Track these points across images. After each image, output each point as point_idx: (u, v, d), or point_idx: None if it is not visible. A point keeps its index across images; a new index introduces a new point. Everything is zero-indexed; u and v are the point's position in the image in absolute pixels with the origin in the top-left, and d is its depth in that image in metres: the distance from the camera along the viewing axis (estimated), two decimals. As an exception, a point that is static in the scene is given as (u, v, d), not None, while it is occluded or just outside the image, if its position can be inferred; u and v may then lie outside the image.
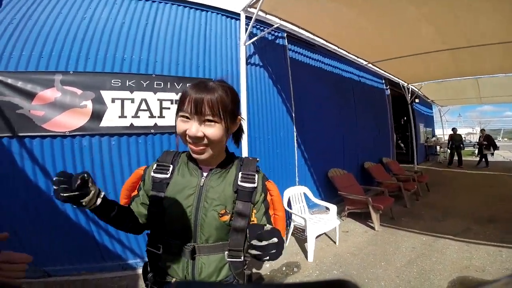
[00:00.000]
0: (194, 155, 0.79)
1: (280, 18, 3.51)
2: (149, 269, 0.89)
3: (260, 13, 3.17)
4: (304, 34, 4.01)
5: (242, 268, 0.86)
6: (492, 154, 10.50)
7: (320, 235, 3.26)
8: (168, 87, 2.78)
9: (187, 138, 0.76)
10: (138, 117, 2.63)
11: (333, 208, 3.35)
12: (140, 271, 2.57)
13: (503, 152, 16.17)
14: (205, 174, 0.85)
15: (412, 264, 2.70)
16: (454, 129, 10.71)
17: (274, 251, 0.63)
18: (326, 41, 4.26)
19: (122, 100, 2.57)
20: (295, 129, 4.05)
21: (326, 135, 4.83)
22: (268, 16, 3.44)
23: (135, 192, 0.91)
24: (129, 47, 2.73)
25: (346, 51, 4.77)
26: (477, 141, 11.74)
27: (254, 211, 0.85)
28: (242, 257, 0.84)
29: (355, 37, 4.04)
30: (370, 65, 5.52)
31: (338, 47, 4.55)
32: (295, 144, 4.01)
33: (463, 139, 11.76)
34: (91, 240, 2.54)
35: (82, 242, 2.53)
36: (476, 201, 5.04)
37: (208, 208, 0.81)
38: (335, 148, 5.10)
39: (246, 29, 3.21)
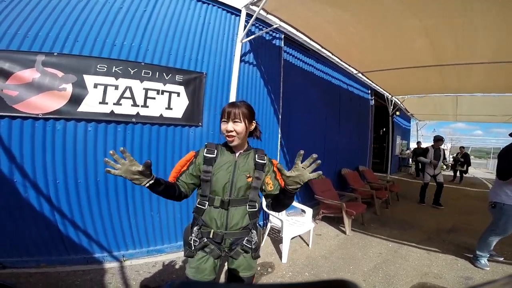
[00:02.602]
0: (229, 143, 1.33)
1: (280, 19, 3.48)
2: (195, 225, 1.33)
3: (261, 11, 3.14)
4: (301, 38, 4.02)
5: (256, 219, 1.39)
6: (466, 172, 11.05)
7: (294, 237, 3.33)
8: (157, 76, 2.68)
9: (225, 132, 1.30)
10: (120, 104, 2.52)
11: (309, 211, 3.44)
12: (107, 265, 2.58)
13: (470, 168, 17.48)
14: (237, 155, 1.38)
15: (378, 269, 2.83)
16: (418, 143, 11.41)
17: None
18: (322, 46, 4.27)
19: (105, 86, 2.44)
20: (280, 130, 4.08)
21: (309, 139, 4.93)
22: (268, 16, 3.40)
23: (185, 168, 1.36)
24: (122, 33, 2.61)
25: (339, 59, 4.80)
26: (454, 156, 12.33)
27: (268, 177, 1.39)
28: (257, 208, 1.37)
29: (350, 45, 4.07)
30: (360, 74, 5.60)
31: (332, 54, 4.58)
32: (279, 146, 4.05)
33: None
34: (55, 232, 2.42)
35: (45, 233, 2.40)
36: (440, 212, 5.41)
37: (240, 174, 1.33)
38: (315, 152, 5.13)
39: (245, 26, 3.16)
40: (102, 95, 2.44)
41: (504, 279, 0.32)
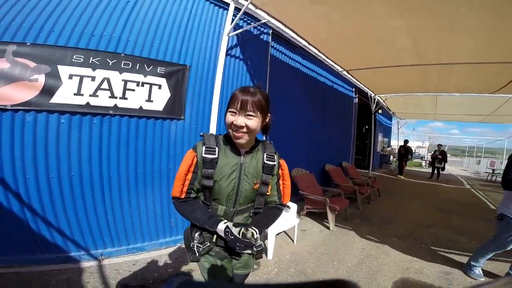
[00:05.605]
0: (235, 140, 1.07)
1: (268, 14, 3.41)
2: (195, 230, 1.17)
3: (250, 6, 3.07)
4: (289, 34, 3.97)
5: None
6: (443, 168, 11.50)
7: (279, 232, 3.33)
8: (137, 68, 2.56)
9: (232, 127, 1.04)
10: (97, 96, 2.39)
11: (294, 206, 3.43)
12: (85, 264, 2.46)
13: (446, 165, 18.37)
14: (242, 155, 1.15)
15: (361, 264, 2.87)
16: (405, 141, 11.46)
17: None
18: (308, 43, 4.24)
19: (81, 77, 2.31)
20: (265, 126, 4.03)
21: (294, 135, 4.93)
22: (257, 10, 3.33)
23: (191, 175, 1.11)
24: (102, 23, 2.47)
25: (325, 56, 4.80)
26: (432, 154, 12.53)
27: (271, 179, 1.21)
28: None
29: (337, 43, 4.07)
30: (344, 72, 5.63)
31: (319, 51, 4.57)
32: (264, 141, 3.99)
33: (413, 151, 12.73)
34: (26, 230, 2.28)
35: (15, 232, 2.26)
36: (419, 208, 5.62)
37: (246, 180, 1.14)
38: (300, 148, 5.24)
39: (233, 20, 3.08)
40: (78, 86, 2.30)
41: (504, 279, 0.30)
